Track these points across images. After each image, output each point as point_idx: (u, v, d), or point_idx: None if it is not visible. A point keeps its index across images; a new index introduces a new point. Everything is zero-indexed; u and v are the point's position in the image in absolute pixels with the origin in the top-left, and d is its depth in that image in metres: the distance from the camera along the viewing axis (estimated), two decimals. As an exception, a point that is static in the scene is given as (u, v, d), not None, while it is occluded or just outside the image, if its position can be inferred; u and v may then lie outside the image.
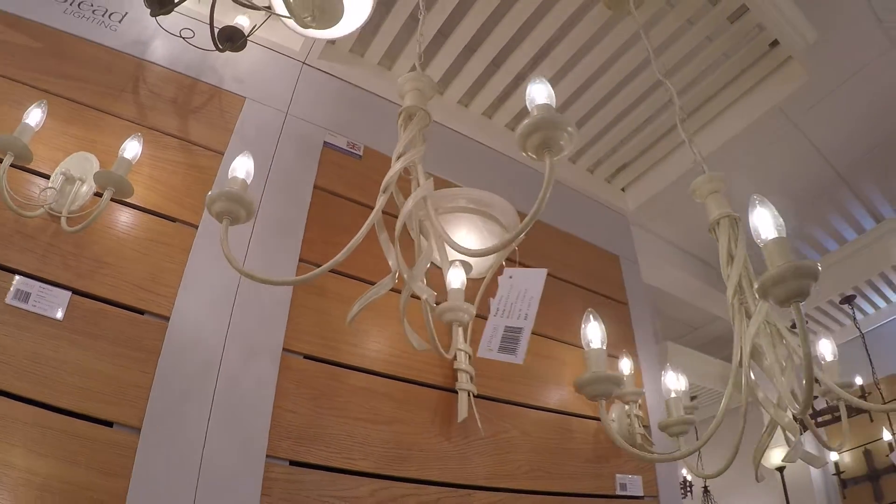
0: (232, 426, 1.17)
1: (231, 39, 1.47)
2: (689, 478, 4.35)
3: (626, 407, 1.80)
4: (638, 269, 2.31)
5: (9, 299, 1.09)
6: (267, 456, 1.18)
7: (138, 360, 1.15)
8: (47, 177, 1.23)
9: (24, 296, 1.12)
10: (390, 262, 0.99)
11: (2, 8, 1.35)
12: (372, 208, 1.52)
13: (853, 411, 3.22)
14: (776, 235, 0.78)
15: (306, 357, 1.33)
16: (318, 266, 1.42)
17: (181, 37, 1.53)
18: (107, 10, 1.50)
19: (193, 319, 1.24)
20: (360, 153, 1.72)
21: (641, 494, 1.77)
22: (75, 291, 1.16)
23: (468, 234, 1.59)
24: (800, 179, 2.99)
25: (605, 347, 1.05)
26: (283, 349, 1.30)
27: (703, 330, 4.10)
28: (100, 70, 1.42)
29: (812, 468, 3.62)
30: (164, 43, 1.54)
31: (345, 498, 1.21)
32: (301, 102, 1.68)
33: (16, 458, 0.97)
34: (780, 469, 3.65)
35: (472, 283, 1.63)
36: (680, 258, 3.38)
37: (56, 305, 1.14)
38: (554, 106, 0.87)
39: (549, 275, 1.92)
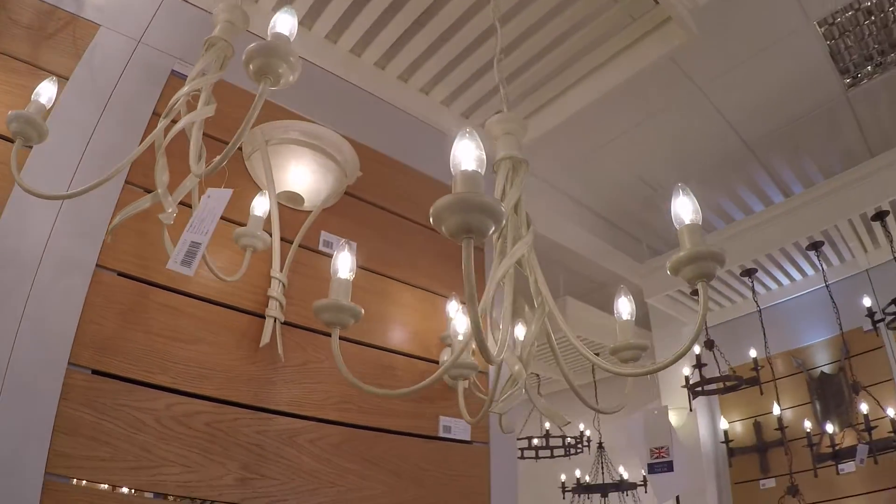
0: (39, 334, 1.39)
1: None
2: (587, 433, 4.70)
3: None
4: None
5: None
6: (69, 363, 1.39)
7: None
8: None
9: None
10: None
11: None
12: (214, 138, 1.73)
13: (744, 382, 3.52)
14: (474, 168, 0.79)
15: (120, 274, 1.52)
16: (145, 190, 1.61)
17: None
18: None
19: (16, 233, 1.43)
20: (208, 83, 1.86)
21: (468, 439, 2.01)
22: None
23: (297, 167, 1.76)
24: (706, 147, 3.21)
25: (351, 279, 1.22)
26: (97, 265, 1.49)
27: (610, 288, 4.37)
28: None
29: (700, 432, 3.97)
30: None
31: (140, 409, 1.44)
32: (157, 32, 1.83)
33: None
34: (669, 432, 4.00)
35: (303, 215, 1.83)
36: (584, 216, 3.61)
37: None
38: (291, 39, 1.04)
39: (397, 214, 2.15)
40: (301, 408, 1.68)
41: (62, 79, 1.62)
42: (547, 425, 4.73)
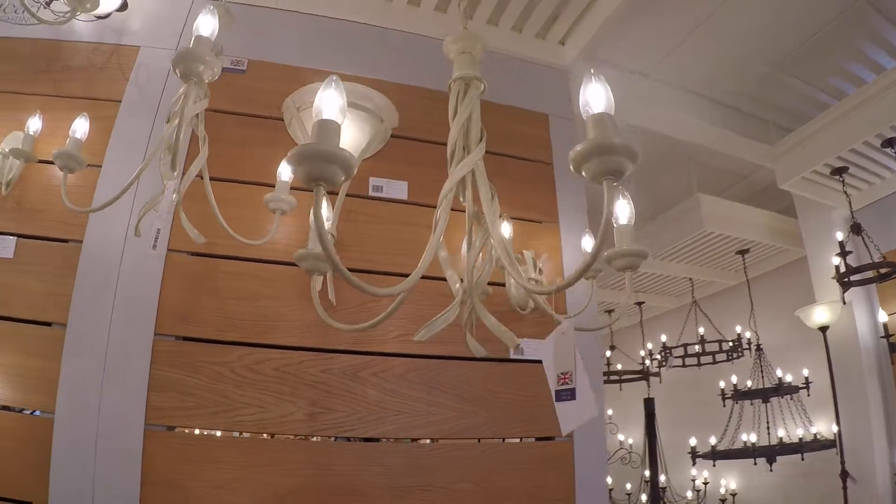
0: (128, 314, 1.68)
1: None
2: (746, 335, 4.40)
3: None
4: (573, 127, 2.39)
5: (-25, 251, 1.67)
6: (155, 334, 1.67)
7: (63, 276, 1.69)
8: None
9: (-17, 245, 1.68)
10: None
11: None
12: (253, 115, 1.90)
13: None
14: (332, 118, 0.81)
15: (191, 254, 1.77)
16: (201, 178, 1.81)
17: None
18: (15, 8, 1.92)
19: (99, 238, 1.74)
20: (244, 68, 2.05)
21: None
22: (20, 236, 1.72)
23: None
24: (816, 6, 2.76)
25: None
26: (169, 249, 1.74)
27: (751, 179, 4.01)
28: (20, 59, 1.91)
29: (859, 328, 3.52)
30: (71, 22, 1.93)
31: (217, 363, 1.68)
32: (188, 36, 2.01)
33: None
34: (823, 329, 3.60)
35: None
36: (701, 107, 3.32)
37: (8, 249, 1.70)
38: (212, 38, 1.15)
39: (445, 144, 2.14)
40: (362, 345, 1.81)
41: (115, 102, 1.88)
42: (701, 330, 4.52)
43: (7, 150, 1.72)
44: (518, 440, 1.90)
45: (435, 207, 1.99)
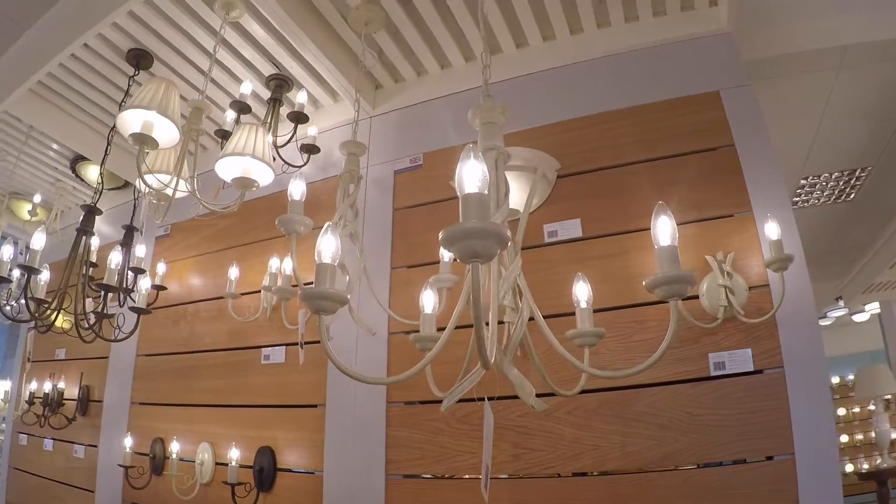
0: (366, 390, 2.18)
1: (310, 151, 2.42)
2: None
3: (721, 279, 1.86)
4: (751, 92, 2.12)
5: (262, 360, 2.40)
6: (387, 402, 2.14)
7: (319, 369, 2.30)
8: (258, 291, 2.46)
9: (267, 356, 2.37)
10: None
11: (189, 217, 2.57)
12: (432, 203, 2.30)
13: None
14: (329, 262, 0.92)
15: (407, 333, 2.20)
16: (406, 267, 2.24)
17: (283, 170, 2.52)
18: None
19: (339, 343, 2.28)
20: (421, 162, 2.45)
21: (752, 369, 1.81)
22: (286, 345, 2.38)
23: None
24: None
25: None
26: (389, 333, 2.21)
27: None
28: (262, 214, 2.65)
29: None
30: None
31: (435, 419, 2.07)
32: (374, 151, 2.51)
33: (280, 433, 2.25)
34: None
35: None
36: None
37: (280, 356, 2.39)
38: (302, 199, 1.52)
39: (607, 168, 2.21)
40: (555, 387, 2.01)
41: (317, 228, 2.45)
42: None
43: (266, 284, 2.40)
44: (732, 463, 1.78)
45: (607, 235, 2.12)
